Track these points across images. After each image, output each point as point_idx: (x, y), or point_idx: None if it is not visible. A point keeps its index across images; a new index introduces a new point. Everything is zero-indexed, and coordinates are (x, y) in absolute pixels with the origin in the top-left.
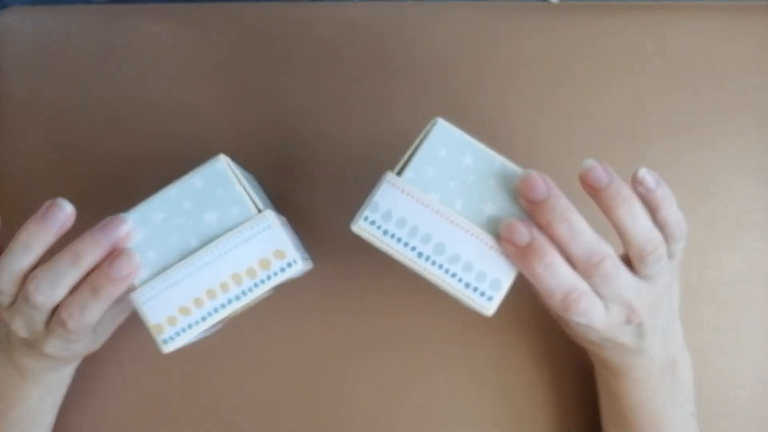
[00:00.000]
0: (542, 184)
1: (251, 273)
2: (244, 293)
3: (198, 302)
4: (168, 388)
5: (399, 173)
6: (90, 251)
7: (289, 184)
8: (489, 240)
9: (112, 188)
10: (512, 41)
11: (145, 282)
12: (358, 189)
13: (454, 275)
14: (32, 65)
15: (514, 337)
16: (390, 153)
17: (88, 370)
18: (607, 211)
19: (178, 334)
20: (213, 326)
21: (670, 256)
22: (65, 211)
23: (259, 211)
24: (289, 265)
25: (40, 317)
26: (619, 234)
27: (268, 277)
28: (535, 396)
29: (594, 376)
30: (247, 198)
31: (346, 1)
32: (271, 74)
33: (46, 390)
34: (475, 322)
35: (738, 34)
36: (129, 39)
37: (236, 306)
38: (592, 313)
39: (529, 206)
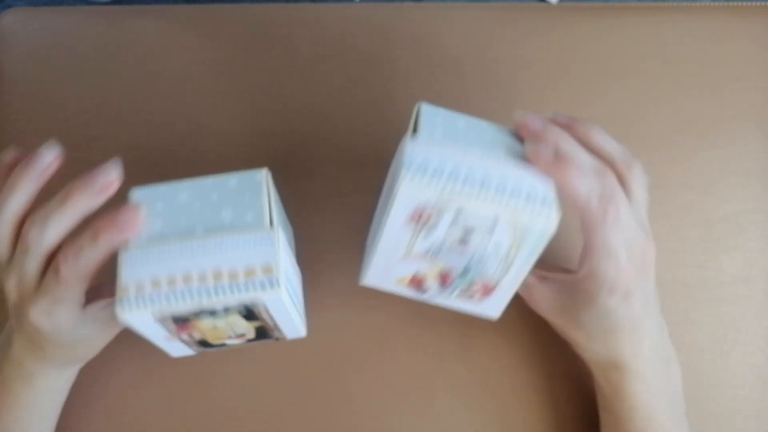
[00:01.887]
0: (533, 117)
1: (233, 276)
2: (216, 292)
3: (171, 281)
4: (168, 392)
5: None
6: (78, 189)
7: (290, 184)
8: (520, 164)
9: None
10: (512, 42)
11: (137, 246)
12: (359, 189)
13: (511, 196)
14: (34, 66)
15: (511, 341)
16: (391, 154)
17: (89, 371)
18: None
19: (137, 303)
20: (181, 336)
21: (627, 191)
22: (48, 157)
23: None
24: (271, 284)
25: (34, 264)
26: (569, 194)
27: (246, 287)
28: (532, 400)
29: (592, 380)
30: (266, 211)
31: (347, 2)
32: (272, 75)
33: (45, 392)
34: (472, 328)
35: (738, 35)
36: (130, 40)
37: (203, 302)
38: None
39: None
